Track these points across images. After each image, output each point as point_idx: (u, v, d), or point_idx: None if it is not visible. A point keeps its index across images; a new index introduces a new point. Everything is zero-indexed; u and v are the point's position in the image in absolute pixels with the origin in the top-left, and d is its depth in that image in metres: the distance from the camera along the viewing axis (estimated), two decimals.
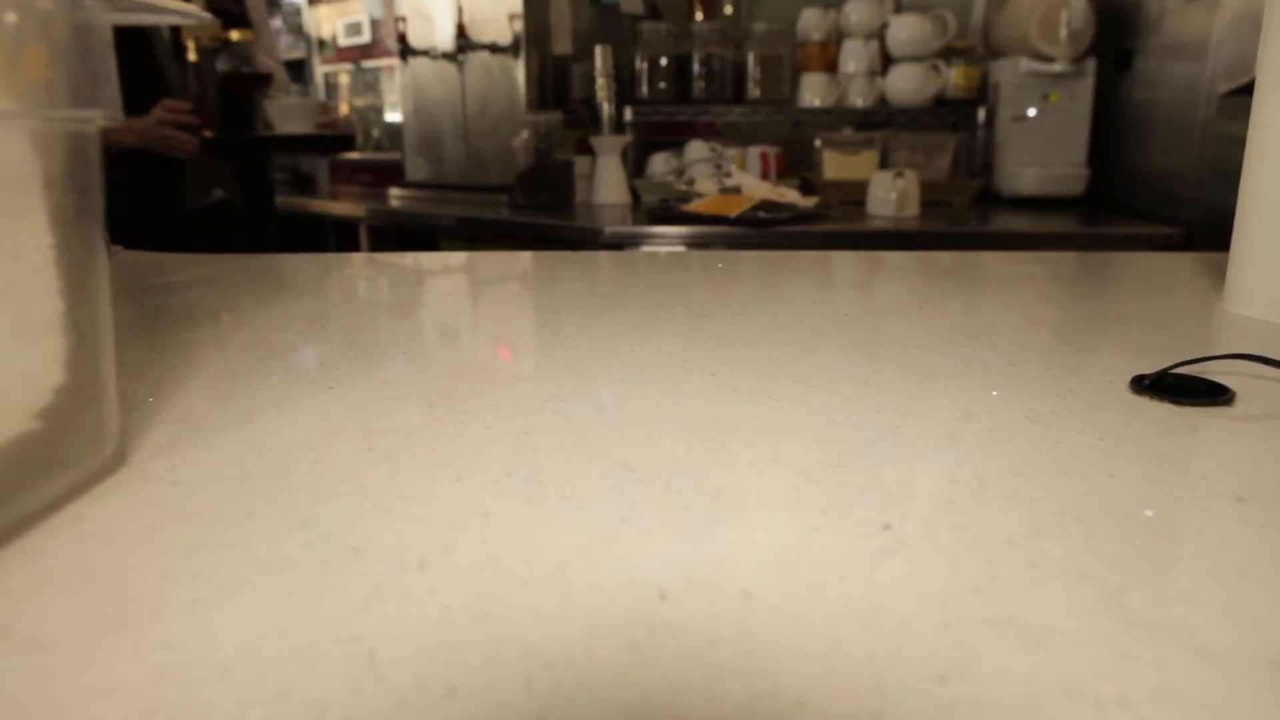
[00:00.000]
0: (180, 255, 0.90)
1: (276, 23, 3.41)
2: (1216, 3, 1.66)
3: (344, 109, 3.04)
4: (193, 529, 0.28)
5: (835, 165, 1.97)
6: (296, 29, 3.22)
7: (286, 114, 2.38)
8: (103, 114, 0.29)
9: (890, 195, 1.72)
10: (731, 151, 2.04)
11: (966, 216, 1.82)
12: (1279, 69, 0.53)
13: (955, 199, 1.93)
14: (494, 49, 2.05)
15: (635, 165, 2.14)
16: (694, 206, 1.68)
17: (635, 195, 2.00)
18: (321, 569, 0.26)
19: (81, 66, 0.28)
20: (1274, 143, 0.55)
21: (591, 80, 1.96)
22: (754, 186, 1.78)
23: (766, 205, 1.65)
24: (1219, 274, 0.65)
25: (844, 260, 0.83)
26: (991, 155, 2.05)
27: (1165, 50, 1.79)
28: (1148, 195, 1.81)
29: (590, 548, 0.27)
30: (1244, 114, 0.58)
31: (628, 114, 2.10)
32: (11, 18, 0.26)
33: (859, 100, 2.06)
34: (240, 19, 2.24)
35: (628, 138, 2.00)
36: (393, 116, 2.74)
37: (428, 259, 0.91)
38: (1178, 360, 0.43)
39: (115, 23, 0.31)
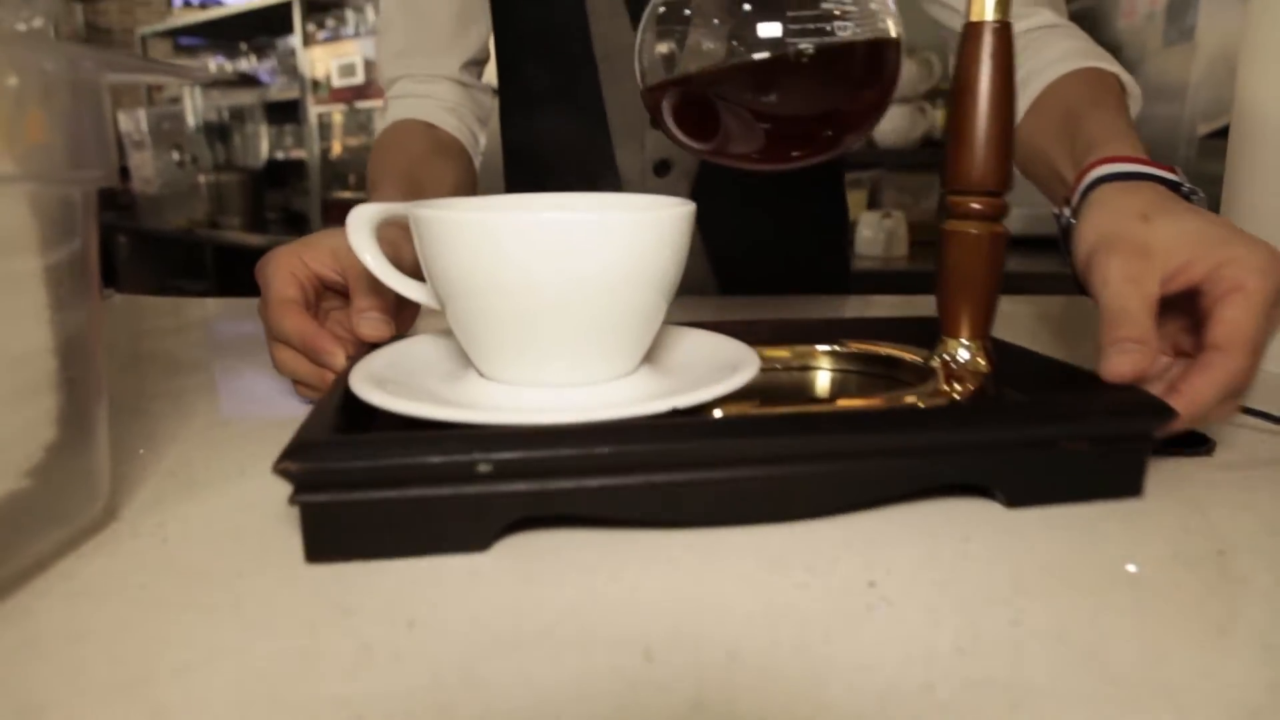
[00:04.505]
0: (171, 299, 0.91)
1: (270, 63, 3.45)
2: (1194, 47, 1.70)
3: (337, 147, 3.07)
4: (182, 588, 0.29)
5: None
6: (291, 70, 3.26)
7: None
8: (99, 174, 0.30)
9: (879, 235, 1.74)
10: None
11: None
12: (1253, 112, 0.55)
13: None
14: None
15: None
16: None
17: None
18: (310, 630, 0.26)
19: (80, 127, 0.29)
20: (1249, 184, 0.56)
21: None
22: None
23: None
24: None
25: (831, 305, 0.84)
26: None
27: (1146, 92, 1.82)
28: None
29: (579, 606, 0.27)
30: (1223, 154, 0.59)
31: None
32: (13, 81, 0.27)
33: None
34: None
35: None
36: None
37: None
38: None
39: (113, 82, 0.32)
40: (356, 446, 0.29)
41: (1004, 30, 0.38)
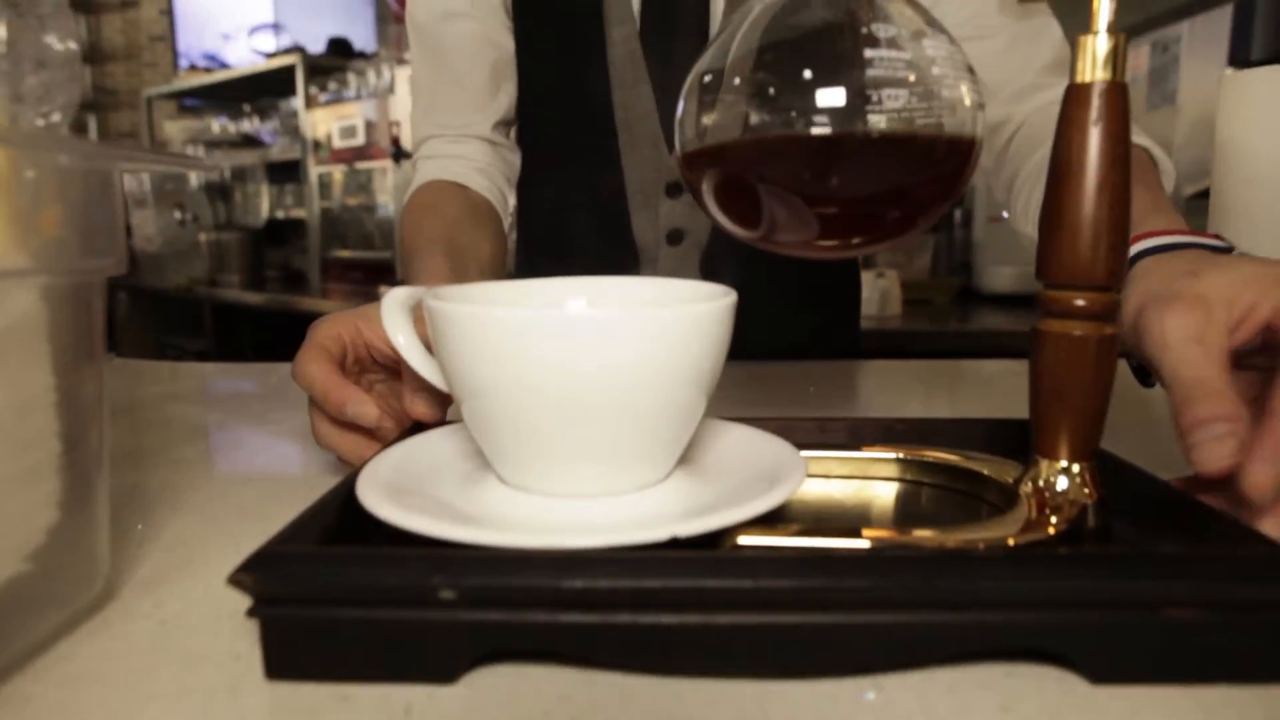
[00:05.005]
0: (169, 364, 0.91)
1: (273, 124, 3.51)
2: (1176, 111, 1.74)
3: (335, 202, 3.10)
4: (179, 672, 0.29)
5: None
6: (293, 131, 3.31)
7: None
8: (111, 262, 0.31)
9: (873, 295, 1.76)
10: None
11: (949, 315, 1.86)
12: (1232, 174, 0.56)
13: (937, 298, 1.98)
14: None
15: None
16: None
17: None
18: (309, 717, 0.26)
19: (92, 218, 0.30)
20: (1232, 218, 0.56)
21: None
22: None
23: None
24: None
25: (829, 371, 0.85)
26: (970, 254, 2.11)
27: None
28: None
29: (569, 697, 0.27)
30: (1208, 214, 0.60)
31: None
32: (31, 175, 0.28)
33: None
34: None
35: None
36: (383, 214, 2.80)
37: None
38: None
39: (125, 171, 0.33)
40: (316, 562, 0.28)
41: (1117, 92, 0.33)
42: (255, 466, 0.52)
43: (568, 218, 0.82)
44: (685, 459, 0.36)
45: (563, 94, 0.78)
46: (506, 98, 0.79)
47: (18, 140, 0.27)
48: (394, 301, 0.39)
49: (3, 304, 0.27)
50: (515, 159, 0.81)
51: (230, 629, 0.31)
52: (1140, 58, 1.83)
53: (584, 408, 0.31)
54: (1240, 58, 1.57)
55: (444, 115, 0.77)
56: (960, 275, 2.11)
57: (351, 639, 0.27)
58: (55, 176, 0.28)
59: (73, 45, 0.31)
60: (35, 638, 0.30)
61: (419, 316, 0.40)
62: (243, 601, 0.34)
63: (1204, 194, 1.75)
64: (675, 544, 0.28)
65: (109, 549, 0.34)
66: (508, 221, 0.78)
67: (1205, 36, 1.64)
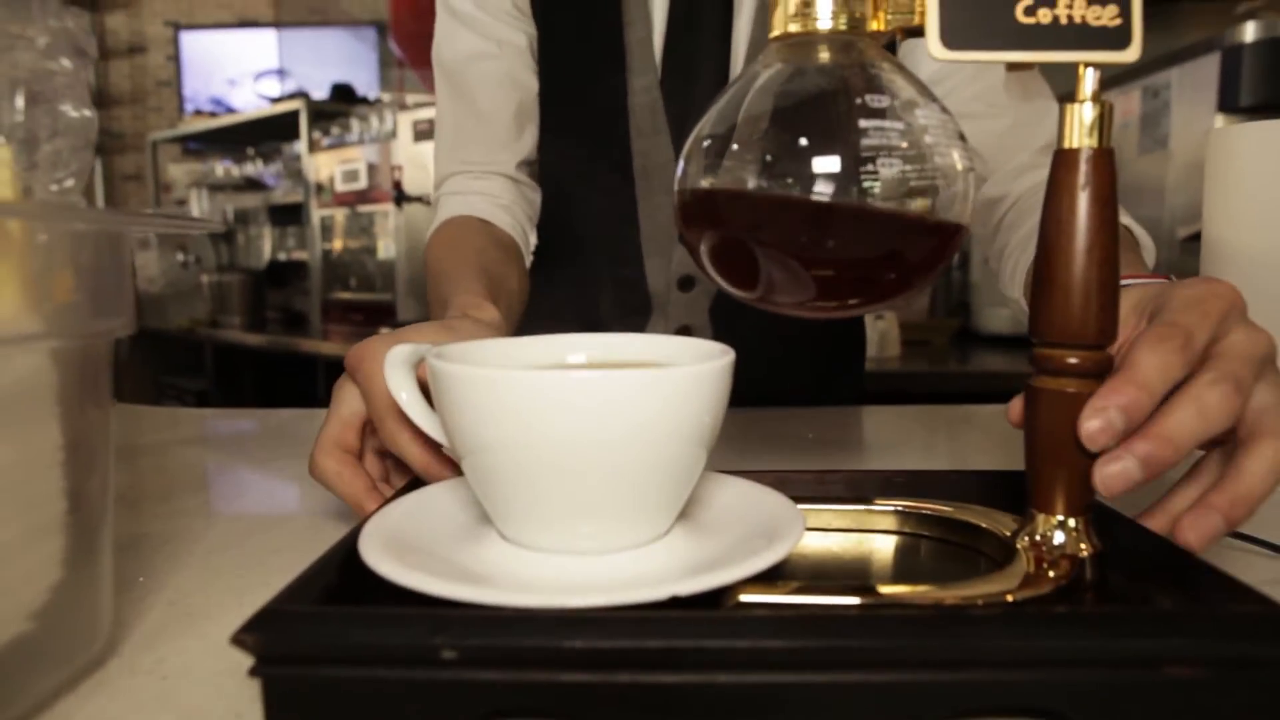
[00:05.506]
0: (171, 409, 0.92)
1: (276, 167, 3.55)
2: (1168, 155, 1.77)
3: (338, 247, 3.13)
4: None
5: None
6: (296, 174, 3.35)
7: None
8: (120, 323, 0.31)
9: (872, 337, 1.77)
10: None
11: (947, 356, 1.87)
12: (1221, 224, 0.57)
13: (935, 338, 1.99)
14: None
15: None
16: None
17: None
18: None
19: (103, 281, 0.31)
20: (1224, 273, 0.57)
21: None
22: None
23: None
24: None
25: (829, 417, 0.85)
26: (968, 296, 2.12)
27: (1124, 197, 1.88)
28: None
29: None
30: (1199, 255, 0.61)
31: None
32: (43, 238, 0.28)
33: None
34: None
35: None
36: (385, 256, 2.82)
37: None
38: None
39: (136, 234, 0.33)
40: (319, 622, 0.28)
41: (1104, 158, 0.34)
42: (256, 516, 0.52)
43: (581, 260, 0.83)
44: (684, 514, 0.36)
45: (582, 139, 0.80)
46: (530, 138, 0.80)
47: (32, 212, 0.27)
48: (396, 359, 0.39)
49: (14, 367, 0.27)
50: (537, 198, 0.82)
51: (232, 687, 0.31)
52: (1132, 103, 1.86)
53: (585, 468, 0.31)
54: (1230, 103, 1.60)
55: (468, 152, 0.78)
56: (958, 316, 2.12)
57: (353, 699, 0.27)
58: (67, 242, 0.28)
59: (87, 113, 0.32)
60: (37, 696, 0.30)
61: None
62: (245, 658, 0.34)
63: (1197, 236, 1.78)
64: (676, 603, 0.28)
65: (111, 604, 0.34)
66: (529, 260, 0.78)
67: (1194, 83, 1.67)
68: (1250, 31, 1.55)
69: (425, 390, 0.41)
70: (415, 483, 0.44)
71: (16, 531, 0.29)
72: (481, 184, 0.77)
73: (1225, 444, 0.37)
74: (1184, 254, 1.71)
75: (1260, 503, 0.35)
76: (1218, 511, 0.35)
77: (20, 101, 0.30)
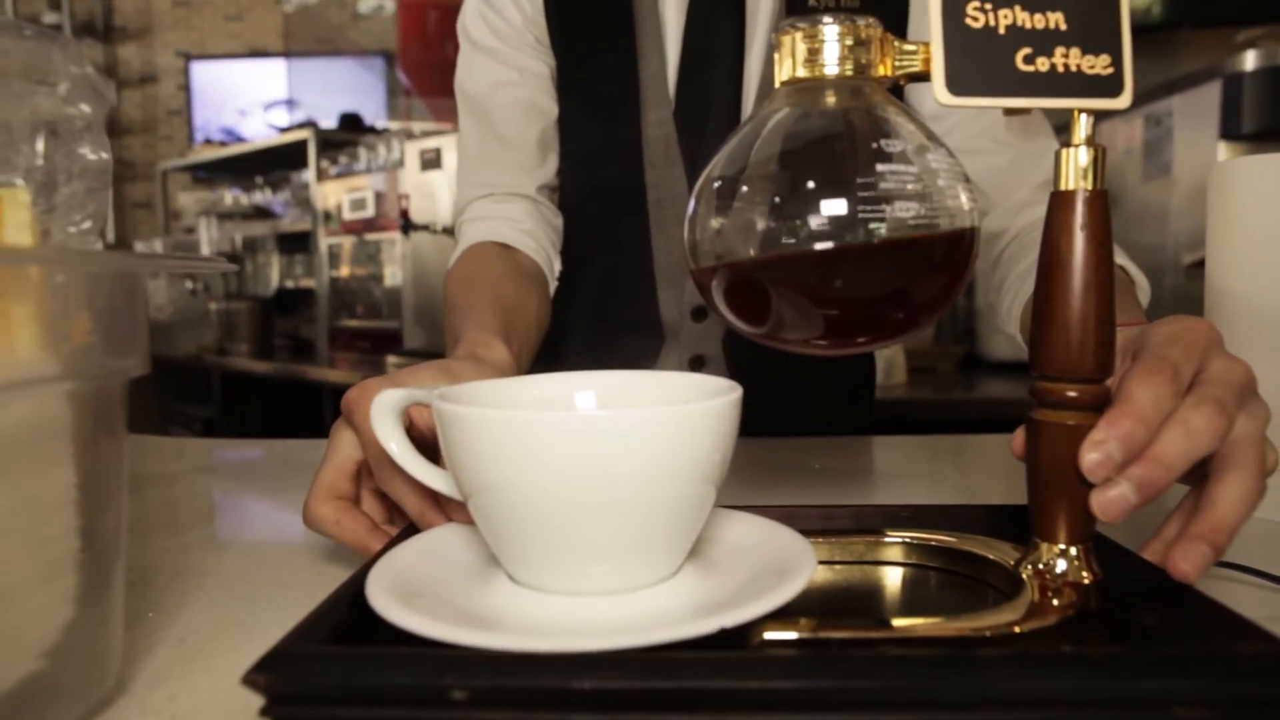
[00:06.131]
0: (176, 440, 0.92)
1: (284, 195, 3.59)
2: (1172, 181, 1.78)
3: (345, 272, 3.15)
4: None
5: None
6: (304, 202, 3.38)
7: None
8: (135, 362, 0.32)
9: (878, 364, 1.77)
10: None
11: (953, 383, 1.86)
12: (1224, 255, 0.57)
13: (941, 365, 1.99)
14: None
15: None
16: None
17: None
18: None
19: (119, 321, 0.31)
20: (1228, 307, 0.57)
21: None
22: None
23: None
24: None
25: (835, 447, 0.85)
26: (973, 322, 2.12)
27: (1129, 223, 1.89)
28: None
29: None
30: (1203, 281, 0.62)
31: None
32: (60, 282, 0.29)
33: None
34: None
35: None
36: (392, 284, 2.84)
37: None
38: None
39: (151, 273, 0.34)
40: (329, 662, 0.28)
41: (1099, 199, 0.35)
42: (264, 548, 0.52)
43: (595, 289, 0.84)
44: (694, 551, 0.36)
45: (597, 170, 0.81)
46: (552, 163, 0.81)
47: (50, 257, 0.28)
48: (383, 409, 0.38)
49: (31, 408, 0.28)
50: (559, 223, 0.83)
51: None
52: (1135, 131, 1.87)
53: (594, 507, 0.31)
54: (1231, 130, 1.61)
55: (491, 175, 0.78)
56: (964, 343, 2.12)
57: None
58: (84, 285, 0.29)
59: (104, 155, 0.33)
60: None
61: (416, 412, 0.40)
62: (255, 697, 0.34)
63: (1201, 263, 1.78)
64: (685, 642, 0.28)
65: (122, 641, 0.34)
66: (554, 285, 0.78)
67: (1196, 110, 1.68)
68: (1251, 60, 1.56)
69: (428, 433, 0.41)
70: (412, 530, 0.43)
71: (30, 570, 0.29)
72: (504, 208, 0.77)
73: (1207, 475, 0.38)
74: (1189, 279, 1.72)
75: (1237, 530, 0.36)
76: (1203, 540, 0.36)
77: (41, 145, 0.31)
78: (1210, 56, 1.70)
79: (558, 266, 0.80)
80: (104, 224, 0.32)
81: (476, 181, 0.79)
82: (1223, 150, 1.62)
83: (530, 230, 0.76)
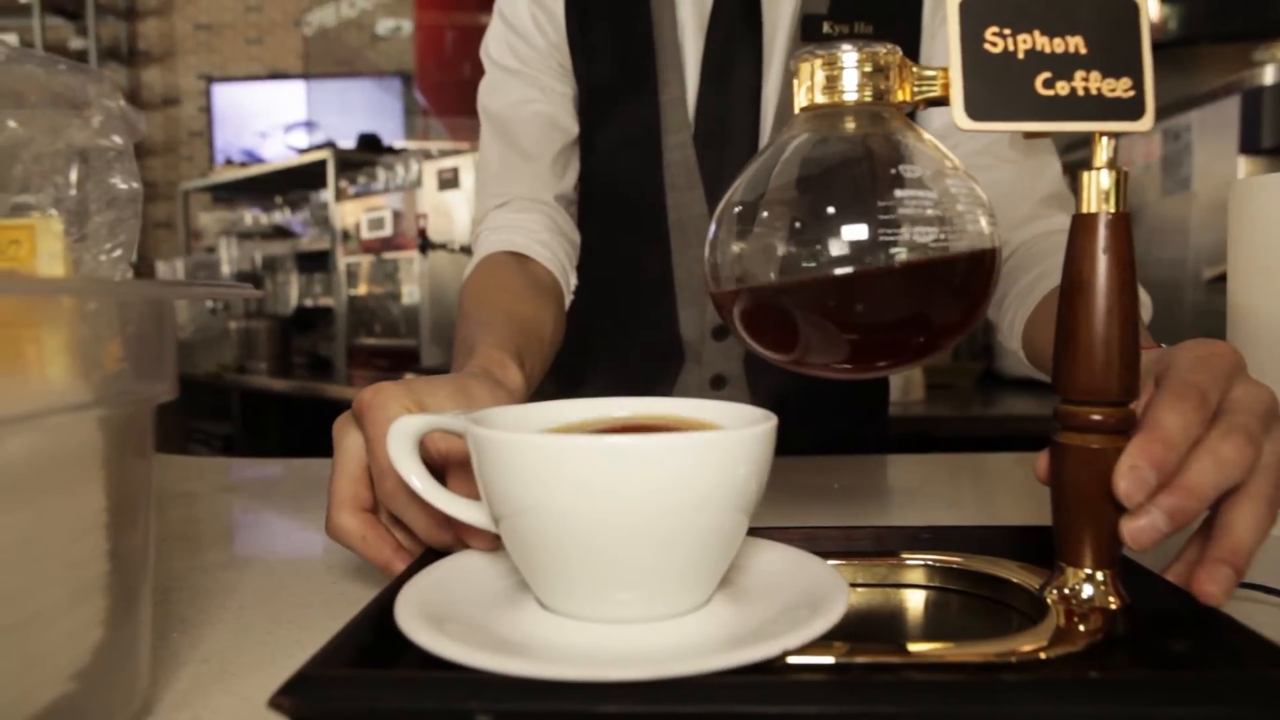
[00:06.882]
0: (198, 459, 0.93)
1: (304, 215, 3.62)
2: (1191, 196, 1.77)
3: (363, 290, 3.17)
4: None
5: None
6: (323, 222, 3.41)
7: None
8: (163, 388, 0.32)
9: (896, 380, 1.76)
10: None
11: (971, 399, 1.85)
12: (1245, 273, 0.57)
13: (959, 382, 1.98)
14: None
15: None
16: None
17: None
18: None
19: (148, 348, 0.31)
20: (1250, 326, 0.56)
21: None
22: None
23: None
24: None
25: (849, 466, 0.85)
26: (991, 338, 2.11)
27: (1149, 238, 1.88)
28: None
29: None
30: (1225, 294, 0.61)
31: None
32: (92, 309, 0.29)
33: None
34: None
35: None
36: (409, 302, 2.86)
37: None
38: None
39: (179, 299, 0.34)
40: (355, 685, 0.28)
41: (1121, 222, 0.35)
42: (286, 567, 0.53)
43: (616, 308, 0.84)
44: (725, 580, 0.36)
45: (618, 192, 0.82)
46: (571, 178, 0.82)
47: (82, 287, 0.29)
48: (401, 436, 0.37)
49: (63, 435, 0.28)
50: (577, 239, 0.83)
51: None
52: (1154, 145, 1.86)
53: (629, 534, 0.31)
54: (1251, 144, 1.60)
55: (510, 185, 0.79)
56: (982, 359, 2.11)
57: None
58: (115, 313, 0.29)
59: (135, 185, 0.33)
60: None
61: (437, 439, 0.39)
62: (278, 716, 0.34)
63: (1222, 277, 1.77)
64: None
65: (149, 663, 0.35)
66: (569, 299, 0.79)
67: (1215, 125, 1.68)
68: (1270, 74, 1.56)
69: (437, 457, 0.41)
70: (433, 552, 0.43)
71: (61, 594, 0.29)
72: (521, 217, 0.77)
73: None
74: (1210, 294, 1.70)
75: (1254, 553, 0.37)
76: (1224, 563, 0.36)
77: (74, 175, 0.32)
78: (1227, 71, 1.69)
79: (573, 279, 0.80)
80: (133, 251, 0.33)
81: (495, 192, 0.79)
82: (1243, 165, 1.61)
83: (546, 241, 0.77)
